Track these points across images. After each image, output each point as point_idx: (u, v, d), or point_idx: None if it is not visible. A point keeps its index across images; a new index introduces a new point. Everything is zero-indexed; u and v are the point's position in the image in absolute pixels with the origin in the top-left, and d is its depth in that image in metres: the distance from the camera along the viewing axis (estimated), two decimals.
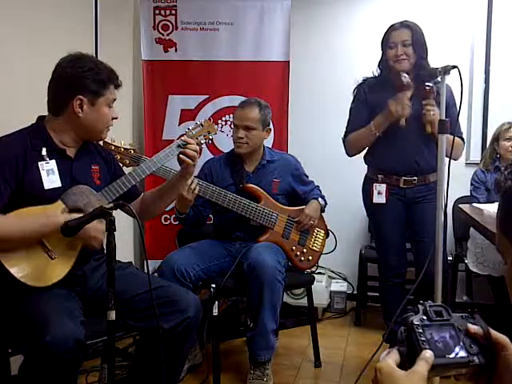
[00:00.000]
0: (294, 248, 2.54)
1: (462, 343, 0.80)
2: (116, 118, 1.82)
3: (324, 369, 2.62)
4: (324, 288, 3.33)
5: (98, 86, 1.73)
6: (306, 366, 2.64)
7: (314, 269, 2.73)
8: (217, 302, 2.35)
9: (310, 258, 2.58)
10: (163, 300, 1.73)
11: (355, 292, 3.47)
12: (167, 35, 3.19)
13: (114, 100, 1.80)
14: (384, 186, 2.47)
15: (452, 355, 0.79)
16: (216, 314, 2.34)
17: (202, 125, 2.08)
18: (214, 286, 2.35)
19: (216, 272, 2.42)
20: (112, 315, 1.41)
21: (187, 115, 3.21)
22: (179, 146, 1.90)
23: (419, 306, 0.82)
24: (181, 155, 1.87)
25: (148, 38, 3.18)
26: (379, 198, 2.47)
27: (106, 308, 1.41)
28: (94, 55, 2.72)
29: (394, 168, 2.45)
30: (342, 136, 2.55)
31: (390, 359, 0.78)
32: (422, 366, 0.76)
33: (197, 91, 3.21)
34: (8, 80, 2.21)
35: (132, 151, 2.09)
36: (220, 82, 3.20)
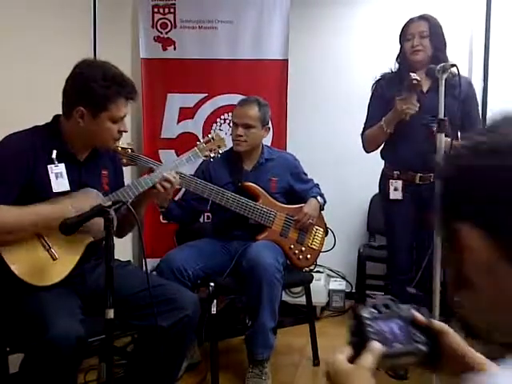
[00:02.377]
0: (292, 246, 2.54)
1: (409, 333, 0.84)
2: (125, 132, 1.77)
3: (322, 367, 2.62)
4: (322, 286, 3.33)
5: (101, 100, 1.66)
6: (305, 364, 2.65)
7: (312, 267, 2.74)
8: (215, 301, 2.36)
9: (309, 256, 2.58)
10: (161, 298, 1.73)
11: (354, 290, 3.47)
12: (166, 34, 3.18)
13: (122, 117, 1.72)
14: (400, 182, 2.46)
15: (400, 345, 0.83)
16: (214, 312, 2.34)
17: (212, 138, 2.10)
18: (212, 284, 2.35)
19: (214, 270, 2.42)
20: (110, 314, 1.41)
21: (186, 113, 3.22)
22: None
23: (368, 299, 0.85)
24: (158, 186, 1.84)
25: (147, 36, 3.18)
26: (395, 194, 2.47)
27: (104, 306, 1.41)
28: (93, 54, 2.72)
29: (410, 164, 2.44)
30: (361, 132, 2.56)
31: (340, 354, 0.82)
32: (367, 359, 0.79)
33: (195, 89, 3.21)
34: (8, 80, 2.20)
35: (129, 150, 2.08)
36: (219, 80, 3.20)
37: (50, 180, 1.67)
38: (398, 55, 2.49)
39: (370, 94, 2.55)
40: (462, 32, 3.38)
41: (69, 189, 1.71)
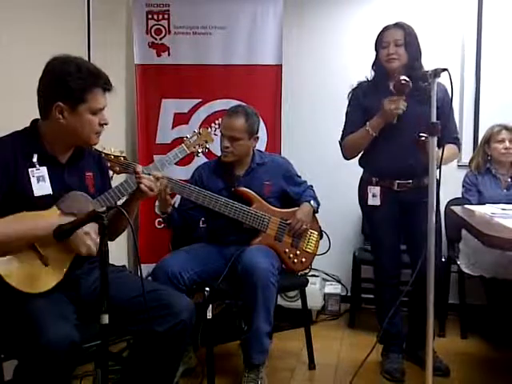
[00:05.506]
0: (287, 250, 2.55)
1: None
2: (106, 124, 1.76)
3: (318, 371, 2.63)
4: (318, 290, 3.34)
5: (78, 92, 1.65)
6: (301, 368, 2.65)
7: (307, 271, 2.74)
8: (211, 306, 2.36)
9: (304, 259, 2.59)
10: (156, 303, 1.72)
11: (349, 294, 3.48)
12: (160, 40, 3.20)
13: (102, 108, 1.72)
14: (378, 188, 2.49)
15: None
16: (210, 317, 2.35)
17: (199, 133, 2.09)
18: (207, 289, 2.36)
19: (210, 275, 2.43)
20: (105, 319, 1.41)
21: (180, 119, 3.23)
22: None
23: None
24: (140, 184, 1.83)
25: (141, 42, 3.20)
26: (374, 200, 2.50)
27: (99, 312, 1.41)
28: (87, 59, 2.72)
29: (389, 171, 2.47)
30: (339, 139, 2.57)
31: None
32: None
33: (190, 95, 3.23)
34: (3, 83, 2.21)
35: (122, 158, 2.07)
36: (213, 85, 3.22)
37: (31, 184, 1.66)
38: (374, 63, 2.51)
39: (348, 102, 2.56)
40: (454, 37, 3.42)
41: (51, 192, 1.69)
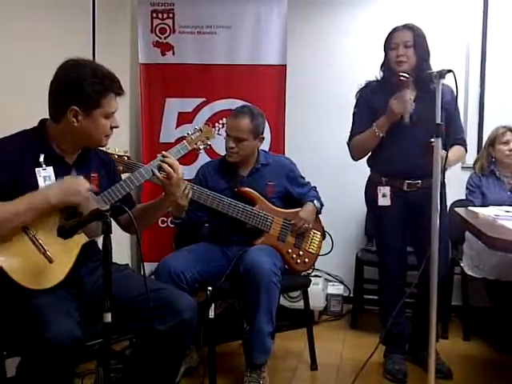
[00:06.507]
0: (290, 251, 2.55)
1: None
2: (116, 127, 1.77)
3: (320, 371, 2.62)
4: (320, 291, 3.34)
5: (94, 96, 1.67)
6: (303, 368, 2.65)
7: (310, 271, 2.74)
8: (213, 305, 2.36)
9: (307, 260, 2.59)
10: (159, 302, 1.73)
11: (351, 295, 3.47)
12: (165, 39, 3.21)
13: (113, 112, 1.74)
14: (388, 188, 2.48)
15: None
16: (212, 316, 2.35)
17: (200, 130, 2.08)
18: (210, 288, 2.36)
19: (212, 275, 2.43)
20: (108, 317, 1.41)
21: (184, 118, 3.23)
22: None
23: None
24: (156, 172, 1.83)
25: (145, 41, 3.20)
26: (384, 200, 2.48)
27: (101, 310, 1.41)
28: (92, 59, 2.73)
29: (398, 171, 2.45)
30: (347, 140, 2.56)
31: None
32: None
33: (194, 94, 3.23)
34: (7, 82, 2.21)
35: (126, 158, 2.07)
36: (217, 85, 3.22)
37: (37, 183, 1.67)
38: (383, 64, 2.50)
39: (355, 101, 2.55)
40: (459, 39, 3.41)
41: None
